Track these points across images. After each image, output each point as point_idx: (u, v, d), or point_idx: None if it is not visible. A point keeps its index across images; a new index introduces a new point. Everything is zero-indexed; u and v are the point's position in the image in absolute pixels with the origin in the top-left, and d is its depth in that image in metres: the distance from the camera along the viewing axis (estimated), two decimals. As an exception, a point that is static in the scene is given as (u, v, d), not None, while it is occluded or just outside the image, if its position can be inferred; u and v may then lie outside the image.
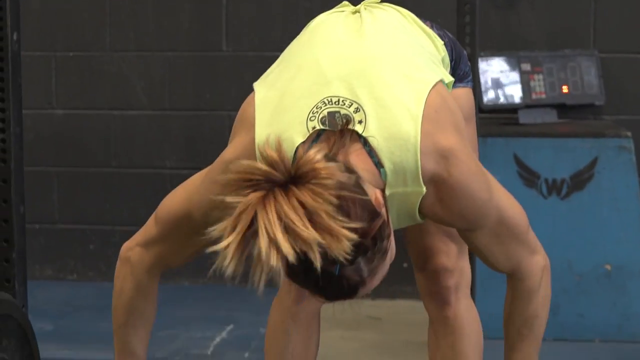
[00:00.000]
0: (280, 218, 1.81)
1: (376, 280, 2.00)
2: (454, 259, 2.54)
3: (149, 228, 2.40)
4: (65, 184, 4.90)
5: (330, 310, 4.30)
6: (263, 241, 1.77)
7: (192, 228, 2.27)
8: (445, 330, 2.57)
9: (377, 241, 1.96)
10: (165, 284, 4.77)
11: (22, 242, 3.51)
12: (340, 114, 2.08)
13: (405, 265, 4.69)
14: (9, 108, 3.44)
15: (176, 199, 2.36)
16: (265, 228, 1.78)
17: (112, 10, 4.79)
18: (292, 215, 1.80)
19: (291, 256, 1.77)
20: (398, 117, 2.12)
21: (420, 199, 2.19)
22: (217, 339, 4.06)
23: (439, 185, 2.19)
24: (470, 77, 2.65)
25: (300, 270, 1.86)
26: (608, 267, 4.07)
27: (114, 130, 4.84)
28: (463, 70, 2.62)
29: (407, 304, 4.69)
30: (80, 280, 4.92)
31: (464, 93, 2.61)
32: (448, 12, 3.06)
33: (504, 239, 2.31)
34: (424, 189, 2.17)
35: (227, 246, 1.79)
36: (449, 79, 2.41)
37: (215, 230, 1.87)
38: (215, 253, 1.97)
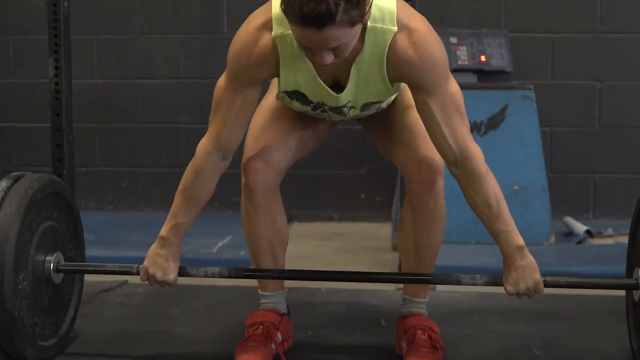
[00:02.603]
0: None
1: (339, 34, 1.98)
2: (443, 164, 2.38)
3: (209, 119, 2.39)
4: (104, 136, 4.94)
5: (311, 229, 4.34)
6: None
7: (232, 92, 2.30)
8: (424, 216, 2.47)
9: (360, 5, 1.97)
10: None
11: (71, 162, 3.58)
12: None
13: (363, 196, 4.79)
14: (62, 71, 3.51)
15: (218, 83, 2.37)
16: None
17: (139, 3, 4.84)
18: None
19: None
20: None
21: (391, 37, 2.16)
22: (220, 244, 4.10)
23: (412, 32, 2.18)
24: None
25: None
26: (516, 187, 4.11)
27: (141, 95, 4.89)
28: None
29: (363, 224, 4.74)
30: (115, 210, 4.96)
31: None
32: None
33: (451, 113, 2.26)
34: (396, 28, 2.15)
35: None
36: None
37: None
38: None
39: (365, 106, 2.37)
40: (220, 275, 2.50)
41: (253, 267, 2.64)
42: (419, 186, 2.44)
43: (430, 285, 3.29)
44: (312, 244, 4.21)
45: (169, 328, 2.85)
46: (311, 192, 4.75)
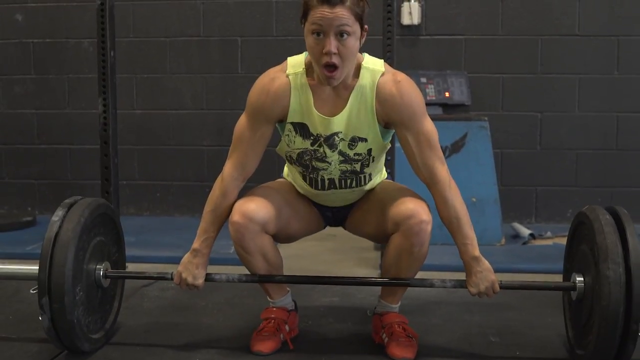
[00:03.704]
0: None
1: (346, 16, 2.11)
2: (430, 216, 2.32)
3: (230, 149, 2.39)
4: (141, 156, 4.91)
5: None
6: None
7: (251, 129, 2.32)
8: (409, 257, 2.37)
9: (363, 7, 2.13)
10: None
11: (116, 179, 3.57)
12: None
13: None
14: (109, 108, 3.51)
15: (239, 122, 2.38)
16: None
17: (170, 48, 4.82)
18: None
19: None
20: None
21: (380, 75, 2.23)
22: (236, 245, 4.07)
23: (396, 75, 2.26)
24: None
25: None
26: (474, 199, 4.09)
27: (171, 123, 4.86)
28: None
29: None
30: (151, 216, 4.93)
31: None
32: (377, 49, 3.08)
33: (424, 146, 2.27)
34: (384, 70, 2.23)
35: None
36: None
37: None
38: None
39: (353, 142, 2.32)
40: (239, 280, 2.50)
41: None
42: (408, 236, 2.33)
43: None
44: (309, 245, 4.17)
45: (196, 318, 2.85)
46: (309, 201, 4.74)
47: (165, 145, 4.88)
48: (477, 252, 2.34)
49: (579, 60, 4.57)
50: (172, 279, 2.48)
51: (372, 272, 3.58)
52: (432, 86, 4.36)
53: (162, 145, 4.89)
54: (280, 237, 2.51)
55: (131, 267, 3.64)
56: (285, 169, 2.62)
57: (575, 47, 4.56)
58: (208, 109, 4.82)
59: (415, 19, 4.53)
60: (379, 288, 3.23)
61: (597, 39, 4.55)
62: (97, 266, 2.47)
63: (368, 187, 2.50)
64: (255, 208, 2.35)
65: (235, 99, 4.77)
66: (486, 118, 4.25)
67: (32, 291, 2.32)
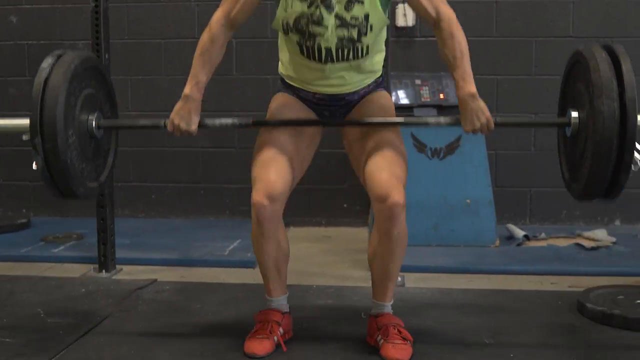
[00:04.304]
0: None
1: None
2: (403, 196, 2.34)
3: (222, 2, 2.46)
4: (136, 158, 4.90)
5: (304, 232, 4.31)
6: None
7: None
8: (389, 240, 2.40)
9: None
10: (198, 218, 4.84)
11: (111, 181, 3.56)
12: None
13: (345, 205, 4.79)
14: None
15: None
16: None
17: (165, 50, 4.82)
18: None
19: None
20: None
21: None
22: (231, 247, 4.06)
23: None
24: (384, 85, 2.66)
25: None
26: (468, 201, 4.10)
27: (167, 124, 4.85)
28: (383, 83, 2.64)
29: (346, 229, 4.72)
30: (146, 218, 4.92)
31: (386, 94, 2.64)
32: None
33: None
34: None
35: None
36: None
37: None
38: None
39: (350, 2, 2.33)
40: (233, 125, 2.57)
41: (262, 277, 2.60)
42: (383, 219, 2.38)
43: (399, 281, 3.34)
44: (304, 246, 4.21)
45: (191, 320, 2.85)
46: (304, 202, 4.74)
47: (160, 147, 4.87)
48: (474, 88, 2.39)
49: (573, 62, 4.57)
50: (165, 127, 2.52)
51: (366, 274, 3.56)
52: (427, 88, 4.36)
53: (157, 147, 4.87)
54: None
55: (126, 269, 3.66)
56: (280, 65, 2.62)
57: (569, 48, 4.48)
58: (203, 111, 4.68)
59: (410, 21, 4.53)
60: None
61: (591, 41, 4.54)
62: (90, 117, 2.51)
63: (367, 63, 2.48)
64: (274, 183, 2.38)
65: (230, 101, 4.77)
66: (481, 120, 4.24)
67: (24, 138, 2.34)
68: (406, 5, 4.44)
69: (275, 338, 2.50)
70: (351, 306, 3.03)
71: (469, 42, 4.27)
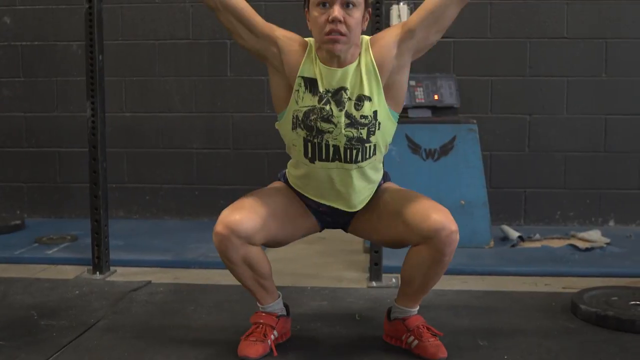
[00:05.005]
0: None
1: None
2: (453, 220, 2.35)
3: None
4: (130, 159, 4.89)
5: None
6: None
7: (259, 26, 2.40)
8: (440, 264, 2.37)
9: None
10: (192, 220, 4.83)
11: (105, 183, 3.56)
12: None
13: (340, 206, 4.77)
14: (97, 111, 3.49)
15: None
16: None
17: (159, 51, 4.81)
18: None
19: None
20: None
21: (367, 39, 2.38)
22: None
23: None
24: None
25: None
26: (462, 202, 4.09)
27: (161, 126, 4.83)
28: None
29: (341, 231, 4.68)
30: (140, 219, 4.90)
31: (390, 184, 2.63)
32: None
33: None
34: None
35: None
36: None
37: None
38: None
39: (359, 101, 2.34)
40: None
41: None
42: (441, 246, 2.33)
43: (393, 282, 3.33)
44: (299, 247, 4.16)
45: (185, 322, 2.84)
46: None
47: (155, 148, 4.86)
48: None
49: (567, 63, 4.58)
50: None
51: (361, 275, 3.57)
52: (421, 89, 4.34)
53: (151, 148, 4.86)
54: (270, 244, 2.51)
55: (120, 270, 3.65)
56: (288, 166, 2.59)
57: (563, 49, 4.58)
58: (197, 112, 4.80)
59: (404, 22, 4.52)
60: (368, 292, 3.25)
61: (584, 42, 4.57)
62: None
63: (371, 173, 2.47)
64: (240, 220, 2.32)
65: (225, 102, 4.76)
66: (475, 121, 4.24)
67: None
68: (400, 6, 4.44)
69: (269, 342, 2.50)
70: (346, 308, 3.03)
71: (464, 43, 4.29)
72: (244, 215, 2.34)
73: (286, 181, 2.61)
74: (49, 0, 4.83)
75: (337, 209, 2.53)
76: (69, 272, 3.63)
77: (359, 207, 2.53)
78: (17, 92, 4.91)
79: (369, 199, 2.54)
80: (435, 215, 2.33)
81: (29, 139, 4.93)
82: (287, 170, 2.61)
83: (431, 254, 2.35)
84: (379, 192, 2.56)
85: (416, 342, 2.49)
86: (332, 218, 2.58)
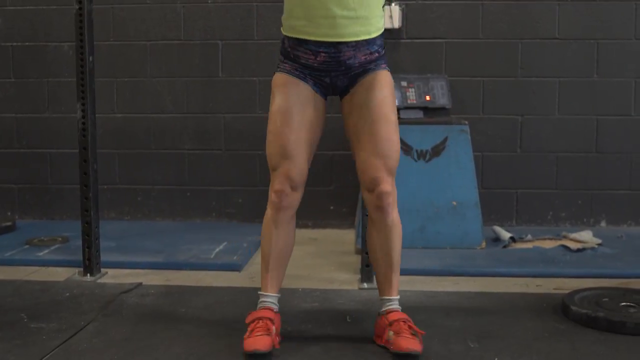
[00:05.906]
0: None
1: None
2: (392, 186, 2.54)
3: None
4: (122, 160, 4.87)
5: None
6: None
7: None
8: (384, 229, 2.58)
9: None
10: (184, 221, 4.83)
11: (95, 185, 3.55)
12: None
13: (331, 207, 4.78)
14: (88, 113, 3.49)
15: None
16: None
17: (151, 52, 4.80)
18: None
19: None
20: None
21: None
22: (217, 250, 4.03)
23: None
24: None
25: None
26: (454, 203, 4.09)
27: (152, 127, 4.82)
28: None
29: (332, 231, 4.71)
30: (131, 220, 4.89)
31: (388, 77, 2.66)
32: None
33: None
34: None
35: None
36: None
37: None
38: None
39: None
40: None
41: (260, 271, 2.69)
42: (375, 209, 2.57)
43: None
44: (291, 248, 4.19)
45: (176, 325, 2.83)
46: (290, 205, 4.73)
47: (146, 149, 4.85)
48: None
49: (559, 64, 4.59)
50: None
51: (353, 277, 3.58)
52: (413, 90, 4.35)
53: (143, 149, 4.85)
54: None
55: (111, 272, 3.64)
56: (283, 19, 2.59)
57: (555, 50, 4.59)
58: (189, 113, 4.79)
59: (396, 23, 4.53)
60: (359, 293, 3.25)
61: (576, 43, 4.58)
62: None
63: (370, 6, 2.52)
64: (296, 175, 2.56)
65: (216, 103, 4.75)
66: (467, 122, 4.24)
67: None
68: (392, 7, 4.45)
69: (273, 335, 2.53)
70: (337, 309, 3.03)
71: (456, 44, 4.30)
72: (295, 167, 2.55)
73: (284, 69, 2.60)
74: (39, 0, 4.81)
75: (333, 53, 2.51)
76: (60, 274, 3.62)
77: (347, 38, 2.50)
78: (8, 93, 4.89)
79: (359, 37, 2.53)
80: (377, 174, 2.53)
81: (19, 140, 4.92)
82: (282, 28, 2.61)
83: (376, 226, 2.60)
84: (373, 81, 2.58)
85: (393, 336, 2.51)
86: (331, 79, 2.58)
